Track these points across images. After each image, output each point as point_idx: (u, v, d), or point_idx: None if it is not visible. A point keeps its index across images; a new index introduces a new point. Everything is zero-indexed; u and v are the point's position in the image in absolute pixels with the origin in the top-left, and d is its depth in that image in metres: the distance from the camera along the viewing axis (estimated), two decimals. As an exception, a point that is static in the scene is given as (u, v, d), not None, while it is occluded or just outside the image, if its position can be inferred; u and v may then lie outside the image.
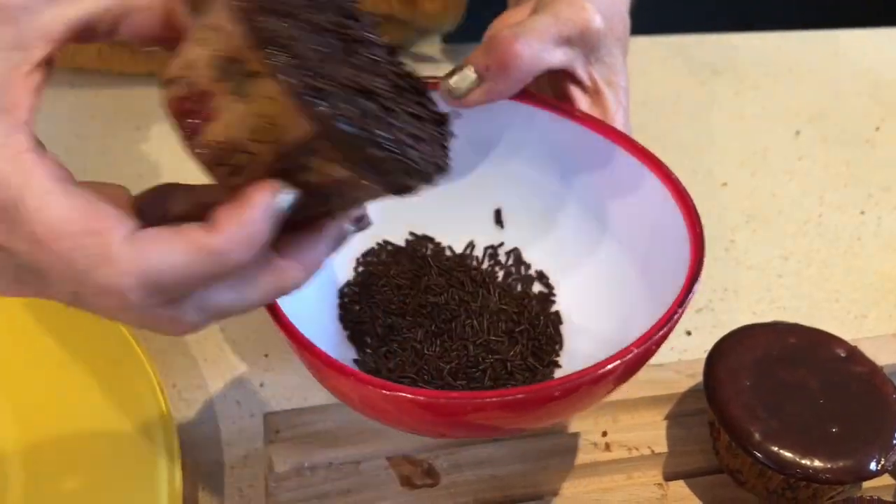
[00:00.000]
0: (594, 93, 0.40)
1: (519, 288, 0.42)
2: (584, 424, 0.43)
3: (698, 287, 0.34)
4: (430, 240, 0.44)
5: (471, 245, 0.43)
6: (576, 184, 0.41)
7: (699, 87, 0.69)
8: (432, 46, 0.69)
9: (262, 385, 0.46)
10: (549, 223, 0.42)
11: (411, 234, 0.44)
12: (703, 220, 0.56)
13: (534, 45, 0.37)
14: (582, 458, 0.41)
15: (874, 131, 0.66)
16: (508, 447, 0.41)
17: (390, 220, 0.40)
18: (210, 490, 0.42)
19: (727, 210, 0.59)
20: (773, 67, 0.71)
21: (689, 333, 0.51)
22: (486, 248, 0.43)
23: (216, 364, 0.47)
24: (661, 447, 0.42)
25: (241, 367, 0.47)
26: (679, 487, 0.40)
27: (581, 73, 0.39)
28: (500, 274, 0.43)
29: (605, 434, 0.42)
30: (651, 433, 0.42)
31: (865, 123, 0.66)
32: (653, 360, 0.48)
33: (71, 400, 0.43)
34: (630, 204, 0.39)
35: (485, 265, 0.43)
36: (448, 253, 0.43)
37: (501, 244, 0.43)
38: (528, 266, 0.43)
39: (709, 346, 0.49)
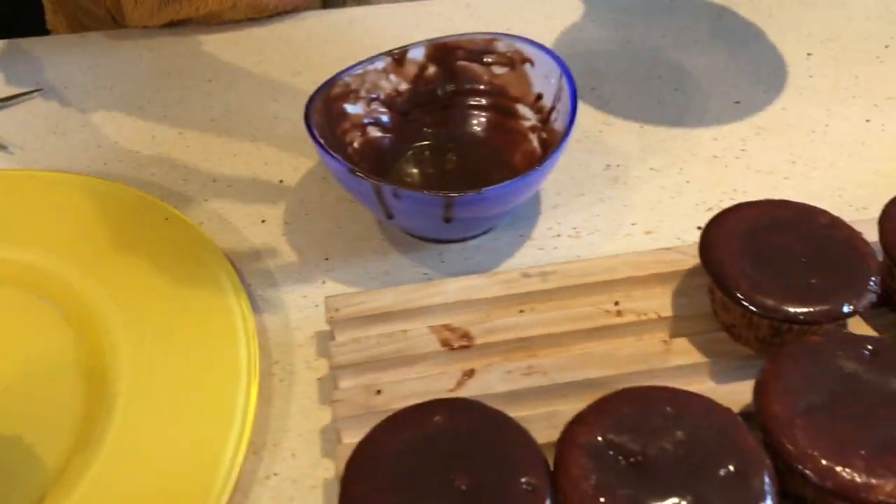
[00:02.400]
0: None
1: None
2: (600, 298, 0.49)
3: None
4: None
5: None
6: None
7: (714, 21, 0.74)
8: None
9: (323, 282, 0.54)
10: None
11: None
12: (717, 132, 0.63)
13: None
14: (597, 322, 0.47)
15: (884, 49, 0.70)
16: (535, 317, 0.48)
17: None
18: (283, 364, 0.50)
19: (739, 125, 0.64)
20: (787, -3, 0.76)
21: (699, 228, 0.56)
22: None
23: (283, 266, 0.55)
24: (667, 312, 0.48)
25: (305, 269, 0.55)
26: (682, 343, 0.46)
27: None
28: None
29: (617, 303, 0.48)
30: (658, 302, 0.48)
31: (876, 42, 0.71)
32: (663, 245, 0.54)
33: (166, 291, 0.52)
34: None
35: None
36: None
37: None
38: None
39: (717, 237, 0.55)
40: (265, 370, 0.49)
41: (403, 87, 0.58)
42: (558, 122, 0.55)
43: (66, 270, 0.53)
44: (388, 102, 0.57)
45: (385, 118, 0.58)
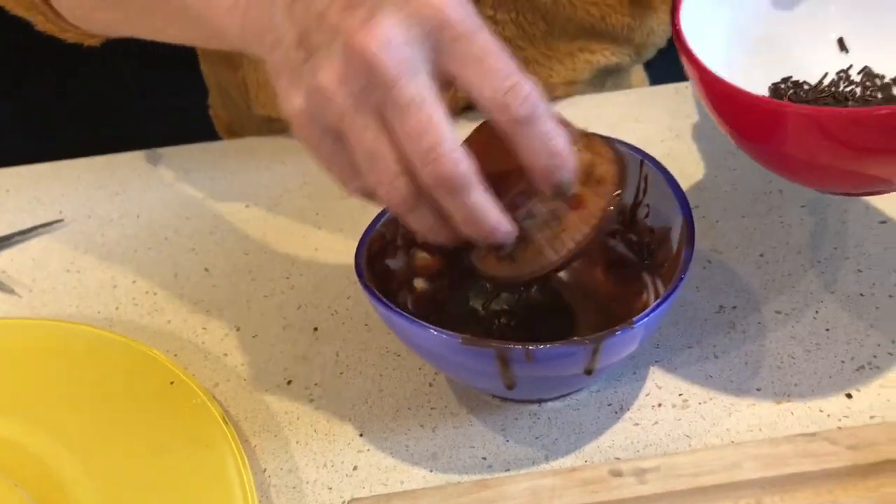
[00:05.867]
0: None
1: (879, 96, 0.45)
2: (721, 508, 0.36)
3: None
4: (788, 79, 0.47)
5: (825, 76, 0.46)
6: None
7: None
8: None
9: (355, 468, 0.42)
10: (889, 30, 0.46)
11: (772, 84, 0.47)
12: (860, 262, 0.49)
13: None
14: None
15: None
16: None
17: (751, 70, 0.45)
18: (296, 586, 0.38)
19: (888, 251, 0.50)
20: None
21: (849, 396, 0.43)
22: (837, 73, 0.46)
23: (308, 445, 0.44)
24: (818, 536, 0.34)
25: (333, 449, 0.43)
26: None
27: None
28: (858, 91, 0.46)
29: (745, 520, 0.35)
30: (804, 518, 0.35)
31: None
32: (803, 420, 0.41)
33: (160, 480, 0.41)
34: None
35: (841, 87, 0.46)
36: (805, 87, 0.46)
37: (850, 66, 0.46)
38: (881, 77, 0.46)
39: (877, 410, 0.41)
40: None
41: None
42: (652, 218, 0.45)
43: (47, 448, 0.44)
44: (429, 246, 0.47)
45: (428, 265, 0.47)
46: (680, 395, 0.44)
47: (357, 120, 0.33)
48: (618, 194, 0.38)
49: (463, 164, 0.33)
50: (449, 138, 0.33)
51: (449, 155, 0.33)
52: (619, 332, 0.37)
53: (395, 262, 0.46)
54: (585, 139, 0.38)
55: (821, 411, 0.42)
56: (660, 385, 0.44)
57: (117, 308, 0.53)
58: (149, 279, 0.55)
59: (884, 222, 0.52)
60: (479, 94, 0.33)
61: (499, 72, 0.33)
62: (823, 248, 0.51)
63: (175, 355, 0.49)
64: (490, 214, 0.34)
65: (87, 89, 1.28)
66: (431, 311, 0.46)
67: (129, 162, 0.66)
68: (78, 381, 0.47)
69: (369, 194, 0.36)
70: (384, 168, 0.34)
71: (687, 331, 0.47)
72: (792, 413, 0.42)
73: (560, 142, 0.34)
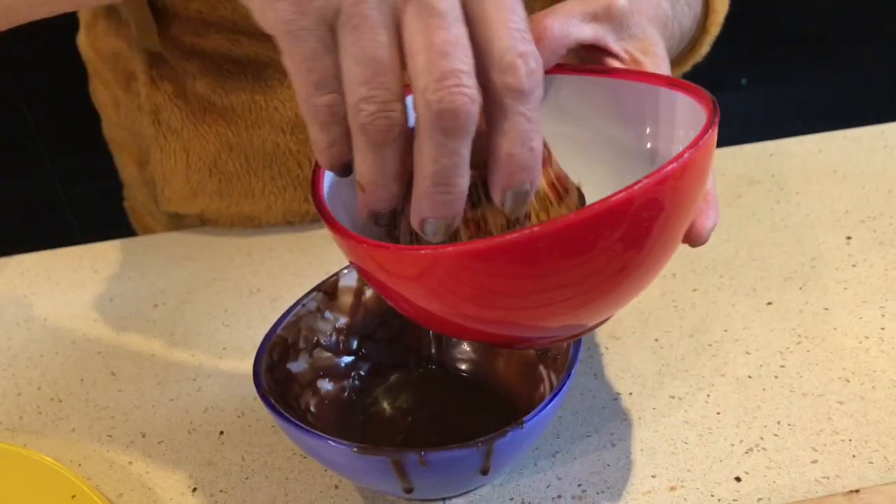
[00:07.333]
0: (632, 62, 0.41)
1: None
2: None
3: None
4: None
5: None
6: (622, 131, 0.42)
7: (735, 200, 0.64)
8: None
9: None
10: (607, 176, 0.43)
11: None
12: (749, 344, 0.52)
13: (561, 19, 0.40)
14: None
15: (937, 226, 0.60)
16: None
17: None
18: None
19: (774, 332, 0.53)
20: (815, 171, 0.66)
21: (738, 479, 0.44)
22: None
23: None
24: None
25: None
26: None
27: (614, 46, 0.41)
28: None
29: None
30: None
31: (926, 219, 0.60)
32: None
33: None
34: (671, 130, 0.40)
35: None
36: None
37: None
38: None
39: (763, 493, 0.43)
40: None
41: (343, 322, 0.48)
42: None
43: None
44: (333, 346, 0.48)
45: (333, 365, 0.48)
46: (579, 485, 0.45)
47: (372, 14, 0.28)
48: None
49: (476, 105, 0.29)
50: (471, 69, 0.28)
51: (468, 87, 0.28)
52: (510, 433, 0.38)
53: (297, 366, 0.46)
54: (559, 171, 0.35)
55: (712, 496, 0.44)
56: (560, 476, 0.45)
57: (21, 417, 0.52)
58: (54, 385, 0.55)
59: (770, 303, 0.55)
60: (487, 45, 0.29)
61: (517, 31, 0.29)
62: (714, 331, 0.53)
63: (79, 465, 0.49)
64: (462, 179, 0.30)
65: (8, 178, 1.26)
66: (336, 413, 0.47)
67: (37, 262, 0.65)
68: (-25, 499, 0.46)
69: (332, 114, 0.30)
70: (383, 83, 0.29)
71: (586, 419, 0.48)
72: (685, 499, 0.44)
73: (539, 140, 0.31)
